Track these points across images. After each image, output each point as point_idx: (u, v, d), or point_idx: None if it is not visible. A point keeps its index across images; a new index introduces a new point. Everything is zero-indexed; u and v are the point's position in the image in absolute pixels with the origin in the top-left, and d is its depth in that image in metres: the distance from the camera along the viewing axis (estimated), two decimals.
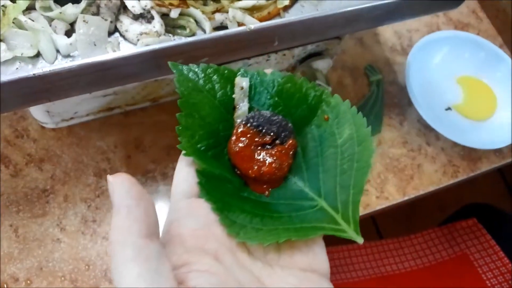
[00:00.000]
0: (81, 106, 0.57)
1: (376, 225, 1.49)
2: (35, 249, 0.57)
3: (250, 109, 0.33)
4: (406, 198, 0.70)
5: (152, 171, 0.64)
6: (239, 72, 0.33)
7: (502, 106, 0.76)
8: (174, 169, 0.63)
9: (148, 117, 0.67)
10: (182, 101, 0.32)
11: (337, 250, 0.92)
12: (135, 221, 0.24)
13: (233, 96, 0.33)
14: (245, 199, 0.31)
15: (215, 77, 0.33)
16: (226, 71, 0.33)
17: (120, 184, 0.25)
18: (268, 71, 0.34)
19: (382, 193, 0.69)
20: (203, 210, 0.29)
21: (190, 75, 0.33)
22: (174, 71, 0.32)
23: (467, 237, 0.91)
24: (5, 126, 0.62)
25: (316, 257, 0.30)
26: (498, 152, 0.76)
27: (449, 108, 0.76)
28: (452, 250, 0.90)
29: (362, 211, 0.68)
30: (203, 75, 0.32)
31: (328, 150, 0.32)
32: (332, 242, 0.88)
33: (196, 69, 0.33)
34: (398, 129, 0.75)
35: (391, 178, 0.71)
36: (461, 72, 0.79)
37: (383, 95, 0.76)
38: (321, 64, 0.66)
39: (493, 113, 0.76)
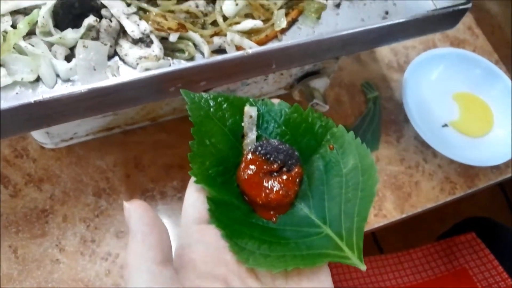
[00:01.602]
0: (80, 127, 0.57)
1: (375, 237, 1.49)
2: (34, 270, 0.57)
3: (258, 137, 0.34)
4: (404, 215, 0.70)
5: (151, 190, 0.64)
6: (248, 102, 0.34)
7: (498, 123, 0.77)
8: (173, 188, 0.64)
9: (148, 136, 0.67)
10: (195, 129, 0.32)
11: (335, 265, 0.92)
12: (150, 247, 0.26)
13: (242, 124, 0.34)
14: (254, 225, 0.32)
15: (225, 105, 0.34)
16: (235, 100, 0.34)
17: (135, 211, 0.27)
18: (275, 101, 0.35)
19: (380, 210, 0.70)
20: (213, 236, 0.30)
21: (202, 103, 0.33)
22: (187, 99, 0.33)
23: (466, 252, 0.91)
24: (4, 146, 0.63)
25: (321, 284, 0.30)
26: (495, 168, 0.76)
27: (445, 125, 0.77)
28: (451, 265, 0.90)
29: None
30: (214, 103, 0.33)
31: (333, 179, 0.33)
32: None
33: (208, 98, 0.33)
34: (396, 146, 0.75)
35: (389, 196, 0.71)
36: (457, 89, 0.80)
37: (380, 112, 0.77)
38: (319, 83, 0.66)
39: (490, 129, 0.77)
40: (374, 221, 0.69)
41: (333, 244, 0.31)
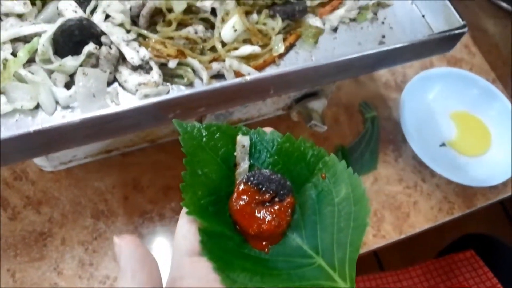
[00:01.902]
0: (79, 150, 0.58)
1: (375, 252, 1.48)
2: None
3: (251, 167, 0.34)
4: (402, 236, 0.70)
5: (150, 212, 0.64)
6: (240, 131, 0.34)
7: (496, 143, 0.77)
8: (171, 209, 0.64)
9: (147, 157, 0.67)
10: (187, 160, 0.32)
11: None
12: (139, 283, 0.26)
13: (235, 154, 0.34)
14: (246, 256, 0.32)
15: (217, 135, 0.33)
16: (228, 129, 0.34)
17: (126, 247, 0.26)
18: (267, 130, 0.35)
19: (379, 231, 0.70)
20: (205, 269, 0.30)
21: (194, 133, 0.33)
22: (179, 130, 0.33)
23: (465, 270, 0.90)
24: (4, 169, 0.63)
25: None
26: (493, 188, 0.76)
27: (443, 144, 0.77)
28: (450, 283, 0.90)
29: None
30: (206, 133, 0.33)
31: (325, 208, 0.33)
32: None
33: (200, 127, 0.33)
34: (394, 165, 0.75)
35: (388, 216, 0.71)
36: (454, 108, 0.80)
37: (378, 131, 0.77)
38: (317, 104, 0.67)
39: (488, 149, 0.77)
40: (372, 242, 0.69)
41: (326, 275, 0.30)
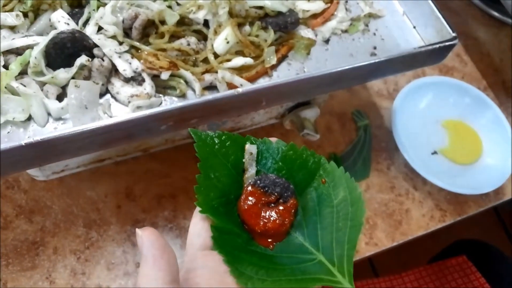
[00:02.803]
0: (71, 159, 0.58)
1: (369, 257, 1.49)
2: None
3: (258, 172, 0.37)
4: (395, 244, 0.71)
5: (142, 221, 0.64)
6: (249, 140, 0.37)
7: (487, 151, 0.78)
8: (164, 218, 0.64)
9: (139, 166, 0.67)
10: (201, 164, 0.35)
11: None
12: (159, 269, 0.28)
13: (243, 160, 0.37)
14: (253, 252, 0.35)
15: (228, 143, 0.37)
16: (237, 138, 0.37)
17: (148, 238, 0.29)
18: (273, 139, 0.38)
19: (371, 239, 0.70)
20: (216, 261, 0.33)
21: (207, 140, 0.36)
22: (195, 137, 0.36)
23: (457, 275, 0.91)
24: None
25: None
26: (484, 195, 0.77)
27: (435, 152, 0.78)
28: None
29: None
30: (218, 141, 0.36)
31: (325, 210, 0.36)
32: None
33: (213, 136, 0.36)
34: (386, 173, 0.76)
35: (380, 224, 0.71)
36: (446, 116, 0.81)
37: (370, 139, 0.78)
38: (309, 113, 0.67)
39: (479, 157, 0.78)
40: (365, 250, 0.69)
41: (326, 270, 0.33)
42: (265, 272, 0.33)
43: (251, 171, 0.36)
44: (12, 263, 0.58)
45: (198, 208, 0.34)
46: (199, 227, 0.34)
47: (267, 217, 0.35)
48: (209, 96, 0.46)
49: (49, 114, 0.46)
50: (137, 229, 0.30)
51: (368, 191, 0.74)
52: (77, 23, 0.49)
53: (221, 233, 0.34)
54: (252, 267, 0.33)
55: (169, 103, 0.49)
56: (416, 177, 0.76)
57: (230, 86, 0.50)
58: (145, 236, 0.29)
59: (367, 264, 1.47)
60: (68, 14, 0.49)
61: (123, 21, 0.49)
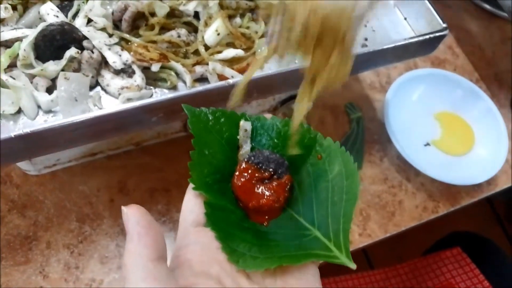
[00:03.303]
0: (63, 153, 0.57)
1: (364, 250, 1.49)
2: None
3: (252, 149, 0.37)
4: (388, 235, 0.71)
5: None
6: (243, 117, 0.37)
7: (479, 142, 0.78)
8: (157, 212, 0.64)
9: (132, 160, 0.67)
10: (195, 140, 0.34)
11: (323, 282, 0.92)
12: (145, 246, 0.27)
13: (238, 137, 0.36)
14: (246, 229, 0.34)
15: (222, 119, 0.36)
16: (232, 115, 0.37)
17: (133, 215, 0.29)
18: (268, 116, 0.38)
19: (364, 230, 0.70)
20: (209, 237, 0.32)
21: (201, 117, 0.36)
22: (188, 113, 0.35)
23: (452, 267, 0.91)
24: None
25: (309, 283, 0.32)
26: (477, 186, 0.77)
27: (427, 144, 0.78)
28: (437, 280, 0.91)
29: None
30: (212, 117, 0.36)
31: (321, 185, 0.35)
32: (321, 275, 0.88)
33: (207, 112, 0.36)
34: (379, 165, 0.76)
35: (373, 215, 0.72)
36: (438, 108, 0.81)
37: (363, 132, 0.78)
38: None
39: (471, 148, 0.78)
40: (358, 241, 0.70)
41: (322, 245, 0.33)
42: (257, 249, 0.32)
43: (245, 148, 0.36)
44: (5, 258, 0.58)
45: (191, 185, 0.33)
46: (192, 203, 0.34)
47: (260, 193, 0.34)
48: (200, 87, 0.46)
49: (39, 107, 0.46)
50: (122, 206, 0.29)
51: (361, 183, 0.74)
52: (66, 16, 0.49)
53: (214, 209, 0.33)
54: (245, 244, 0.32)
55: (160, 95, 0.49)
56: (408, 169, 0.76)
57: (221, 78, 0.50)
58: (130, 213, 0.29)
59: (362, 257, 1.48)
60: (57, 6, 0.49)
61: (112, 13, 0.49)
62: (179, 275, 0.29)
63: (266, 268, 0.31)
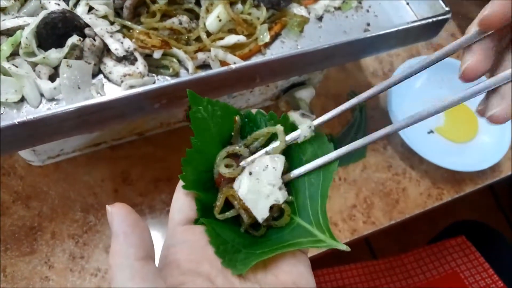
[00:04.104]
0: (67, 143, 0.57)
1: (368, 241, 1.49)
2: None
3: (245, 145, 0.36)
4: (392, 222, 0.71)
5: (140, 205, 0.64)
6: (238, 112, 0.36)
7: (483, 129, 0.78)
8: (161, 201, 0.64)
9: (135, 150, 0.67)
10: (195, 138, 0.34)
11: (328, 272, 0.92)
12: (131, 246, 0.27)
13: (232, 133, 0.36)
14: (235, 226, 0.34)
15: (219, 112, 0.35)
16: (227, 108, 0.36)
17: (117, 213, 0.28)
18: (253, 111, 0.37)
19: (369, 218, 0.70)
20: (197, 235, 0.32)
21: (203, 104, 0.35)
22: (190, 100, 0.34)
23: (457, 255, 0.91)
24: None
25: (300, 275, 0.31)
26: (481, 173, 0.77)
27: (431, 131, 0.78)
28: (442, 269, 0.91)
29: (350, 237, 0.69)
30: (211, 108, 0.35)
31: (296, 169, 0.35)
32: (325, 264, 0.88)
33: (208, 101, 0.35)
34: (382, 153, 0.76)
35: (377, 203, 0.72)
36: (441, 96, 0.81)
37: (366, 120, 0.78)
38: (304, 94, 0.67)
39: (475, 135, 0.78)
40: (363, 229, 0.70)
41: (305, 232, 0.32)
42: (244, 244, 0.32)
43: (237, 144, 0.35)
44: (11, 249, 0.59)
45: (181, 182, 0.33)
46: (181, 202, 0.33)
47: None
48: (203, 72, 0.45)
49: (42, 95, 0.45)
50: (107, 206, 0.28)
51: (365, 171, 0.74)
52: (67, 4, 0.48)
53: (205, 205, 0.33)
54: (232, 239, 0.32)
55: (162, 82, 0.49)
56: (412, 156, 0.76)
57: (223, 64, 0.50)
58: (115, 211, 0.28)
59: (366, 248, 1.48)
60: None
61: (113, 1, 0.49)
62: (167, 275, 0.29)
63: (250, 266, 0.30)
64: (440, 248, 0.92)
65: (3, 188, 0.62)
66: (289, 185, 0.35)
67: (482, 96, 0.30)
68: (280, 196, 0.33)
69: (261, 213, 0.33)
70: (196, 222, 0.33)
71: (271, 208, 0.33)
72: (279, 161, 0.33)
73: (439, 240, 0.94)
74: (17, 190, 0.62)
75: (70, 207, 0.62)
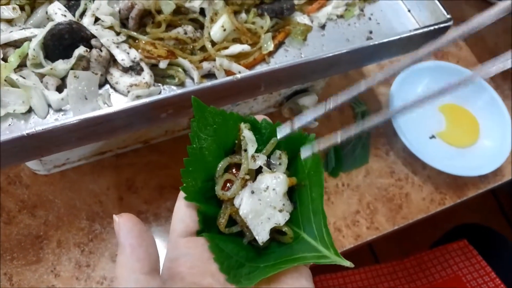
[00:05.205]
0: (73, 152, 0.58)
1: (371, 246, 1.50)
2: None
3: (258, 151, 0.35)
4: (396, 227, 0.71)
5: (145, 212, 0.64)
6: (242, 119, 0.35)
7: (484, 133, 0.78)
8: (166, 209, 0.64)
9: (140, 158, 0.68)
10: (191, 147, 0.33)
11: (331, 277, 0.92)
12: (137, 259, 0.27)
13: (236, 141, 0.35)
14: (237, 239, 0.33)
15: (220, 120, 0.34)
16: (230, 116, 0.35)
17: (125, 224, 0.28)
18: (259, 117, 0.36)
19: (372, 223, 0.71)
20: (200, 248, 0.31)
21: (206, 113, 0.34)
22: (194, 107, 0.34)
23: (459, 259, 0.92)
24: None
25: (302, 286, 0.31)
26: (483, 177, 0.78)
27: (433, 136, 0.78)
28: (444, 272, 0.91)
29: (354, 242, 0.69)
30: (213, 117, 0.34)
31: (300, 182, 0.34)
32: (328, 269, 0.89)
33: (211, 110, 0.34)
34: (385, 159, 0.76)
35: (381, 208, 0.72)
36: (443, 101, 0.81)
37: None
38: (307, 100, 0.67)
39: (477, 139, 0.78)
40: (366, 234, 0.70)
41: (309, 247, 0.32)
42: (248, 258, 0.32)
43: (251, 151, 0.34)
44: (17, 258, 0.59)
45: (182, 193, 0.32)
46: (182, 212, 0.33)
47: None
48: (208, 82, 0.46)
49: (49, 105, 0.46)
50: (114, 215, 0.28)
51: (368, 177, 0.74)
52: (73, 15, 0.49)
53: (207, 217, 0.32)
54: (236, 253, 0.32)
55: (168, 91, 0.49)
56: (415, 162, 0.76)
57: (228, 73, 0.51)
58: (122, 222, 0.28)
59: (368, 252, 1.48)
60: (64, 6, 0.49)
61: (119, 12, 0.49)
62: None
63: (257, 281, 0.30)
64: (442, 252, 0.93)
65: (9, 197, 0.62)
66: (293, 195, 0.34)
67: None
68: (281, 219, 0.32)
69: (261, 235, 0.32)
70: (198, 233, 0.32)
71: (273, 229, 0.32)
72: (281, 182, 0.32)
73: (441, 244, 0.95)
74: (23, 199, 0.62)
75: (76, 215, 0.62)
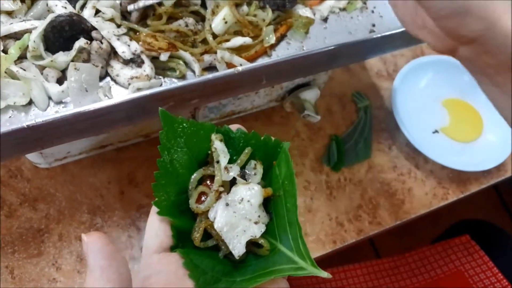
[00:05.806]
0: (73, 146, 0.58)
1: (372, 241, 1.50)
2: None
3: (231, 161, 0.34)
4: (398, 222, 0.71)
5: (146, 206, 0.64)
6: (214, 129, 0.34)
7: (488, 128, 0.78)
8: None
9: (141, 151, 0.67)
10: (161, 160, 0.33)
11: (333, 272, 0.92)
12: (108, 280, 0.26)
13: (209, 152, 0.34)
14: (215, 256, 0.32)
15: (192, 131, 0.34)
16: (202, 127, 0.34)
17: (94, 244, 0.27)
18: (234, 127, 0.35)
19: (374, 218, 0.70)
20: (174, 264, 0.30)
21: (175, 125, 0.33)
22: (163, 121, 0.33)
23: (461, 254, 0.91)
24: None
25: None
26: (486, 172, 0.77)
27: (436, 131, 0.78)
28: (447, 268, 0.91)
29: (356, 237, 0.69)
30: (185, 128, 0.33)
31: (276, 192, 0.33)
32: (329, 264, 0.89)
33: (182, 121, 0.34)
34: (387, 153, 0.76)
35: (383, 203, 0.72)
36: (446, 95, 0.81)
37: (371, 120, 0.78)
38: (309, 94, 0.67)
39: (480, 134, 0.78)
40: (369, 229, 0.70)
41: (286, 258, 0.31)
42: (222, 273, 0.31)
43: (223, 162, 0.33)
44: (18, 251, 0.59)
45: (155, 209, 0.31)
46: (155, 227, 0.31)
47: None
48: (210, 75, 0.46)
49: (49, 98, 0.46)
50: (82, 234, 0.27)
51: (370, 171, 0.74)
52: (74, 7, 0.49)
53: (181, 232, 0.32)
54: (212, 268, 0.31)
55: (169, 84, 0.49)
56: (417, 156, 0.76)
57: (230, 66, 0.50)
58: (91, 242, 0.27)
59: (369, 247, 1.48)
60: None
61: (120, 4, 0.49)
62: None
63: None
64: (444, 247, 0.93)
65: (10, 191, 0.62)
66: (269, 206, 0.34)
67: None
68: (256, 232, 0.32)
69: (237, 248, 0.31)
70: (172, 249, 0.31)
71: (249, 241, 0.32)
72: (256, 193, 0.32)
73: (444, 239, 0.94)
74: (24, 192, 0.62)
75: (77, 209, 0.62)
